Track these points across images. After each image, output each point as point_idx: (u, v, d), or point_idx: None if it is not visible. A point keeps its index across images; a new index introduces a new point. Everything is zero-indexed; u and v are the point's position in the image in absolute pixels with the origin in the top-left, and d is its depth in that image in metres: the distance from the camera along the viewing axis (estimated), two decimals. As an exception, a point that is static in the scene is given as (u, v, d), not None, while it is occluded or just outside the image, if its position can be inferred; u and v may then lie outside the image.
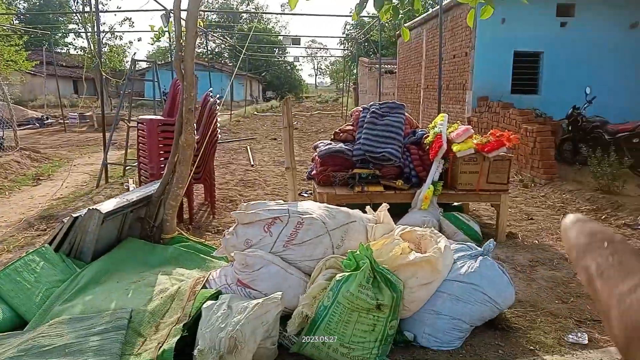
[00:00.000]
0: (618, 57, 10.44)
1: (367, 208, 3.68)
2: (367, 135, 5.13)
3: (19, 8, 37.50)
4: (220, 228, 5.14)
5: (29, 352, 2.40)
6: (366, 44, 32.23)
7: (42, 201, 6.38)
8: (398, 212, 4.72)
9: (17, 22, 30.02)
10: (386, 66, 23.96)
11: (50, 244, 3.54)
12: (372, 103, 5.58)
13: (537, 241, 4.92)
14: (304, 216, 3.20)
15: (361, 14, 4.26)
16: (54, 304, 3.00)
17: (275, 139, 13.60)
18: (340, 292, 2.67)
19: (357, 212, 3.49)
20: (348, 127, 5.67)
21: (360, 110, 5.59)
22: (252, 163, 9.59)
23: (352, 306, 2.64)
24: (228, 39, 36.01)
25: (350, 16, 4.44)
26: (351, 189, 4.90)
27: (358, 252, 2.83)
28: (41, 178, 7.92)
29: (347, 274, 2.74)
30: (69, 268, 3.40)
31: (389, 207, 3.53)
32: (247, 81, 36.66)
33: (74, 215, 3.61)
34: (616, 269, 0.29)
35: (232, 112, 21.48)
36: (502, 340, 2.96)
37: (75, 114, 17.74)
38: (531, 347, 2.89)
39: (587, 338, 2.99)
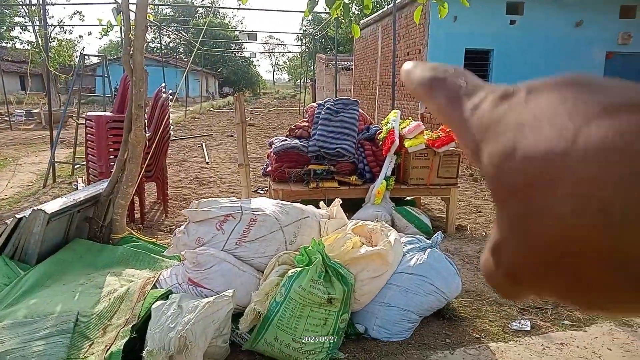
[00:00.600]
0: (564, 54, 10.87)
1: (321, 204, 3.71)
2: (322, 132, 5.16)
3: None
4: (173, 227, 5.05)
5: (-32, 359, 2.31)
6: (323, 40, 32.31)
7: (-16, 202, 6.10)
8: (352, 207, 4.79)
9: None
10: (343, 63, 24.08)
11: (-9, 246, 3.40)
12: (327, 99, 5.62)
13: (484, 233, 5.09)
14: (257, 213, 3.20)
15: (317, 10, 4.29)
16: (-5, 309, 2.89)
17: (231, 136, 13.46)
18: (292, 288, 2.69)
19: (310, 207, 3.51)
20: (303, 124, 5.68)
21: (315, 107, 5.62)
22: (207, 160, 9.47)
23: (304, 301, 2.66)
24: (183, 33, 35.29)
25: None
26: (306, 185, 4.92)
27: (310, 248, 2.85)
28: (-16, 178, 7.56)
29: (299, 269, 2.76)
30: (13, 271, 3.28)
31: (342, 202, 3.58)
32: (202, 77, 36.11)
33: (18, 216, 3.47)
34: (463, 91, 0.31)
35: (187, 108, 21.12)
36: (449, 330, 3.06)
37: (22, 111, 17.00)
38: (477, 335, 3.00)
39: (529, 325, 3.13)
